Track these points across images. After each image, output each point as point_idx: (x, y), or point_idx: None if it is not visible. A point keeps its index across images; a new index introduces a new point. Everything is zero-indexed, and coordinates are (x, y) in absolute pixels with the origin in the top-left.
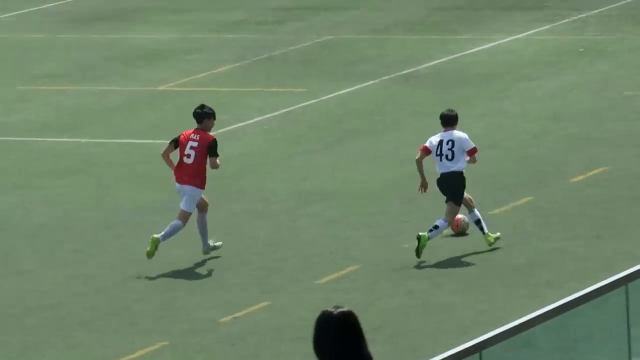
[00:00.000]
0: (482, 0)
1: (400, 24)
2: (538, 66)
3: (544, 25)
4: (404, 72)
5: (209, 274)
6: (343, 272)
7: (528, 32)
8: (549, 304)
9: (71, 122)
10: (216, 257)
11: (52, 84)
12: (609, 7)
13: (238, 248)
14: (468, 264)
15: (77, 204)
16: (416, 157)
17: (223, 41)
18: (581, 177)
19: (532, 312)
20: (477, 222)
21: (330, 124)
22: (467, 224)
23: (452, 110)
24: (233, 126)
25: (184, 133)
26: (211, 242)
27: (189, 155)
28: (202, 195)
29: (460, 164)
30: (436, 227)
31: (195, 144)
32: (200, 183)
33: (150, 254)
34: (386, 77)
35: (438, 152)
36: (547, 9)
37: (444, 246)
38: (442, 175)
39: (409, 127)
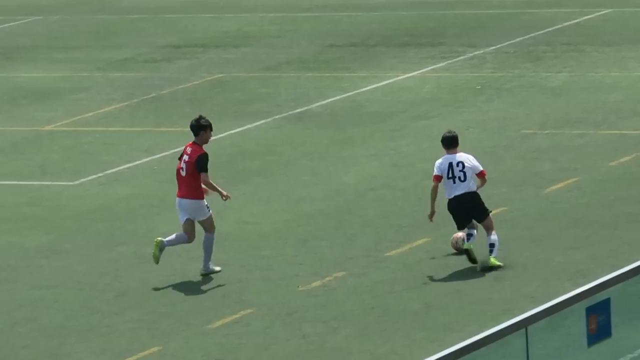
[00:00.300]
0: (376, 37)
1: (293, 61)
2: (434, 104)
3: (439, 63)
4: (297, 110)
5: (99, 318)
6: (236, 316)
7: (424, 70)
8: (448, 347)
9: None
10: (106, 301)
11: None
12: (506, 43)
13: (128, 291)
14: (365, 307)
15: None
16: (432, 186)
17: (110, 80)
18: None
19: (430, 356)
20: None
21: (222, 164)
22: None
23: (453, 131)
24: (121, 167)
25: (185, 147)
26: (211, 265)
27: (182, 169)
28: (211, 213)
29: (473, 183)
30: (492, 244)
31: (186, 158)
32: (198, 195)
33: (155, 258)
34: (279, 116)
35: (450, 175)
36: (442, 46)
37: (338, 288)
38: (459, 196)
39: (303, 167)
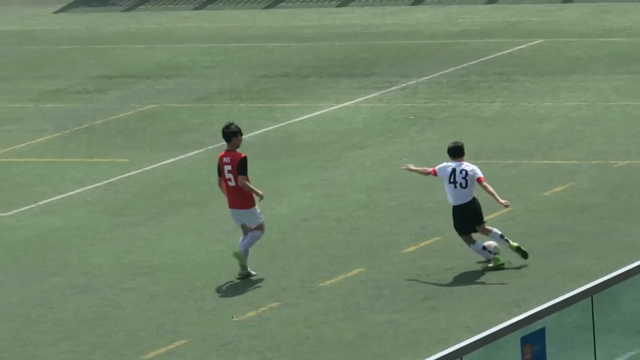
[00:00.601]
0: (309, 67)
1: (225, 92)
2: (367, 134)
3: (372, 93)
4: None
5: (32, 349)
6: (170, 346)
7: (357, 100)
8: None
9: None
10: (39, 332)
11: None
12: (439, 73)
13: (62, 322)
14: (299, 338)
15: None
16: (426, 170)
17: (42, 110)
18: (413, 248)
19: None
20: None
21: (155, 195)
22: (497, 249)
23: (459, 142)
24: (54, 198)
25: (219, 156)
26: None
27: (230, 179)
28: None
29: (472, 191)
30: (486, 248)
31: (229, 167)
32: (249, 203)
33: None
34: (212, 147)
35: (451, 180)
36: (375, 76)
37: (272, 318)
38: (461, 205)
39: None
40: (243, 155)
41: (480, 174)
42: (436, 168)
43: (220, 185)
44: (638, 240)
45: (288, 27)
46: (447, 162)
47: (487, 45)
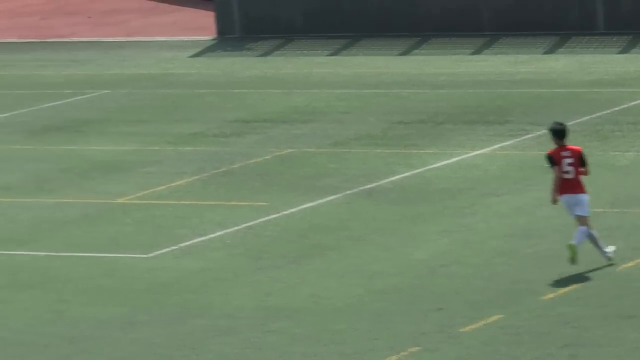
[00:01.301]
0: (444, 114)
1: (362, 137)
2: (503, 181)
3: (507, 140)
4: (367, 186)
5: None
6: None
7: (492, 147)
8: None
9: (28, 235)
10: None
11: (7, 195)
12: (573, 122)
13: None
14: None
15: (38, 318)
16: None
17: (181, 153)
18: (552, 295)
19: None
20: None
21: (294, 239)
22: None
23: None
24: (193, 240)
25: (554, 153)
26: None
27: (567, 172)
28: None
29: None
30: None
31: (571, 160)
32: (585, 189)
33: (573, 261)
34: (349, 192)
35: None
36: (509, 124)
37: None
38: None
39: (375, 242)
40: (580, 148)
41: None
42: None
43: (557, 177)
44: None
45: (422, 74)
46: None
47: (621, 94)
